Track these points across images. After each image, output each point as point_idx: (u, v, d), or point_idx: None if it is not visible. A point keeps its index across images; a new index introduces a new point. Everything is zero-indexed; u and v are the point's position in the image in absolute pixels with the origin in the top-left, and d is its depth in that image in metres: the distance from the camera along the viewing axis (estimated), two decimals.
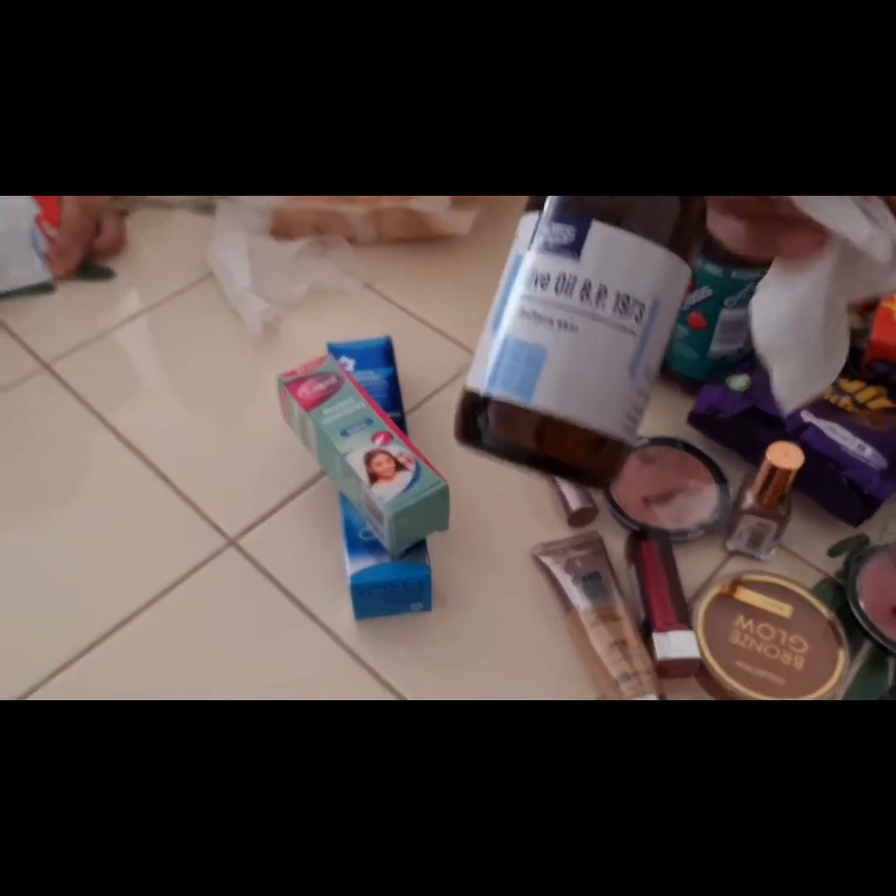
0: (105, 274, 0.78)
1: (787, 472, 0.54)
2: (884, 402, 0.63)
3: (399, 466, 0.52)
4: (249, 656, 0.53)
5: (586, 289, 0.26)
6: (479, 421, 0.27)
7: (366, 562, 0.53)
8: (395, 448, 0.53)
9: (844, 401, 0.62)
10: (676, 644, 0.52)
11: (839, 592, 0.57)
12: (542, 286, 0.26)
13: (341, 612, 0.55)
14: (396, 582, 0.52)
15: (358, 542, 0.54)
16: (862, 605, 0.56)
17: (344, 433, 0.54)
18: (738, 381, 0.62)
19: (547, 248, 0.26)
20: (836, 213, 0.26)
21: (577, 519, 0.59)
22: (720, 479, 0.62)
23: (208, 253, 0.77)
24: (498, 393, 0.27)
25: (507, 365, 0.27)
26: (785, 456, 0.54)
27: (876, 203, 0.27)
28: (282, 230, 0.79)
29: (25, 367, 0.70)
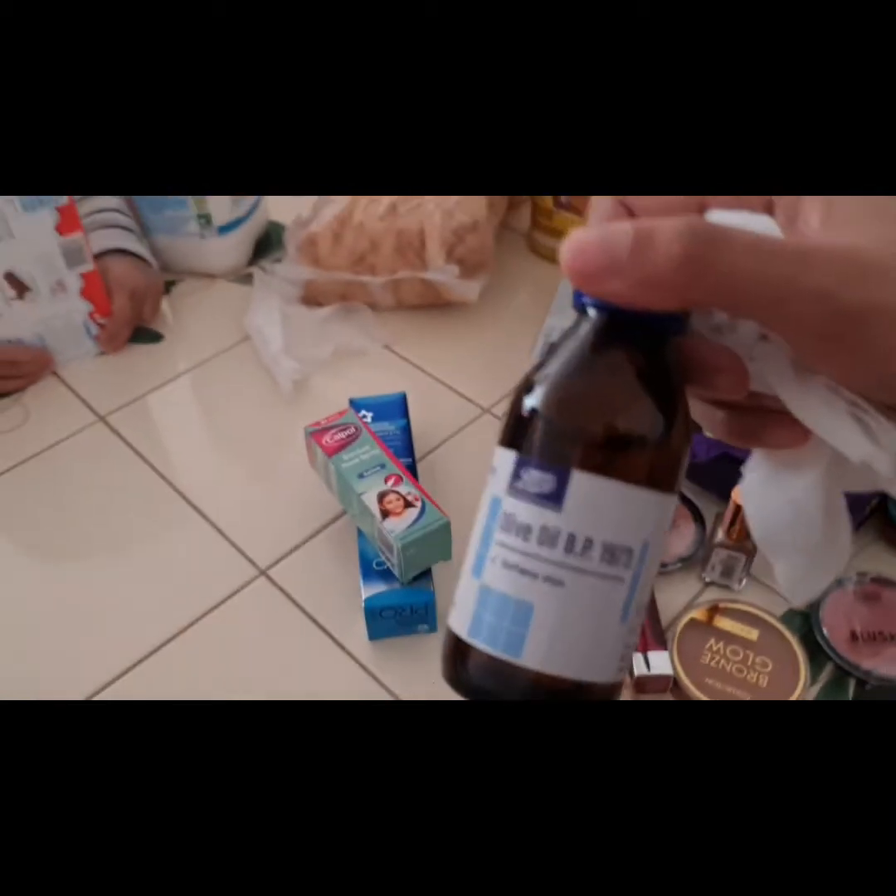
0: (155, 337, 0.88)
1: None
2: None
3: (407, 504, 0.60)
4: (276, 671, 0.61)
5: (571, 542, 0.24)
6: (464, 668, 0.27)
7: (378, 588, 0.61)
8: (404, 488, 0.61)
9: None
10: (653, 663, 0.59)
11: (805, 620, 0.64)
12: (523, 537, 0.24)
13: (357, 633, 0.62)
14: (405, 605, 0.60)
15: (372, 571, 0.62)
16: (824, 631, 0.62)
17: (360, 476, 0.62)
18: None
19: (526, 496, 0.24)
20: (831, 425, 0.24)
21: None
22: (697, 516, 0.69)
23: (245, 319, 0.87)
24: (483, 647, 0.25)
25: (491, 618, 0.25)
26: None
27: (874, 414, 0.24)
28: (312, 298, 0.89)
29: (83, 419, 0.80)
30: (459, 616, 0.27)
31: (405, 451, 0.70)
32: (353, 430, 0.66)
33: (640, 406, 0.24)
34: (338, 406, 0.78)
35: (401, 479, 0.62)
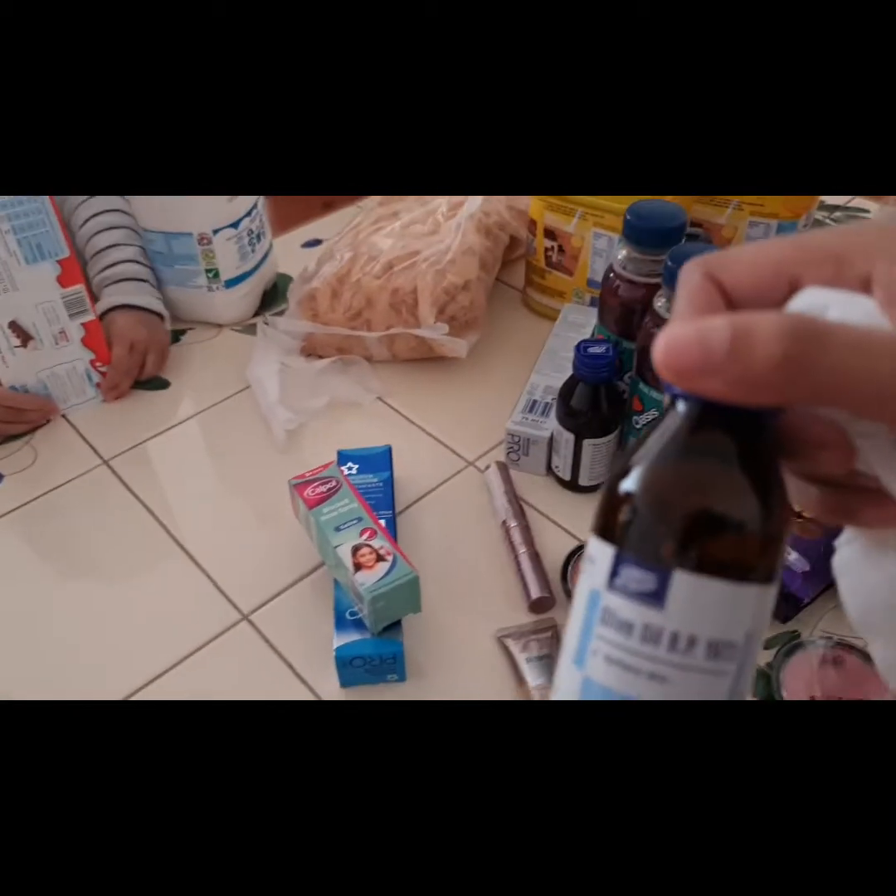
0: (162, 384, 0.92)
1: None
2: None
3: (379, 558, 0.63)
4: None
5: (674, 640, 0.24)
6: None
7: (350, 637, 0.63)
8: (377, 542, 0.64)
9: None
10: None
11: (767, 683, 0.65)
12: (625, 634, 0.24)
13: (330, 681, 0.65)
14: (374, 655, 0.62)
15: (345, 620, 0.65)
16: (783, 693, 0.63)
17: (337, 529, 0.65)
18: None
19: (627, 593, 0.24)
20: None
21: (537, 606, 0.68)
22: None
23: (247, 369, 0.91)
24: None
25: None
26: None
27: None
28: (312, 350, 0.93)
29: (88, 463, 0.84)
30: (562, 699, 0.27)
31: (386, 503, 0.73)
32: (334, 483, 0.69)
33: (742, 504, 0.24)
34: (329, 456, 0.81)
35: (375, 532, 0.65)
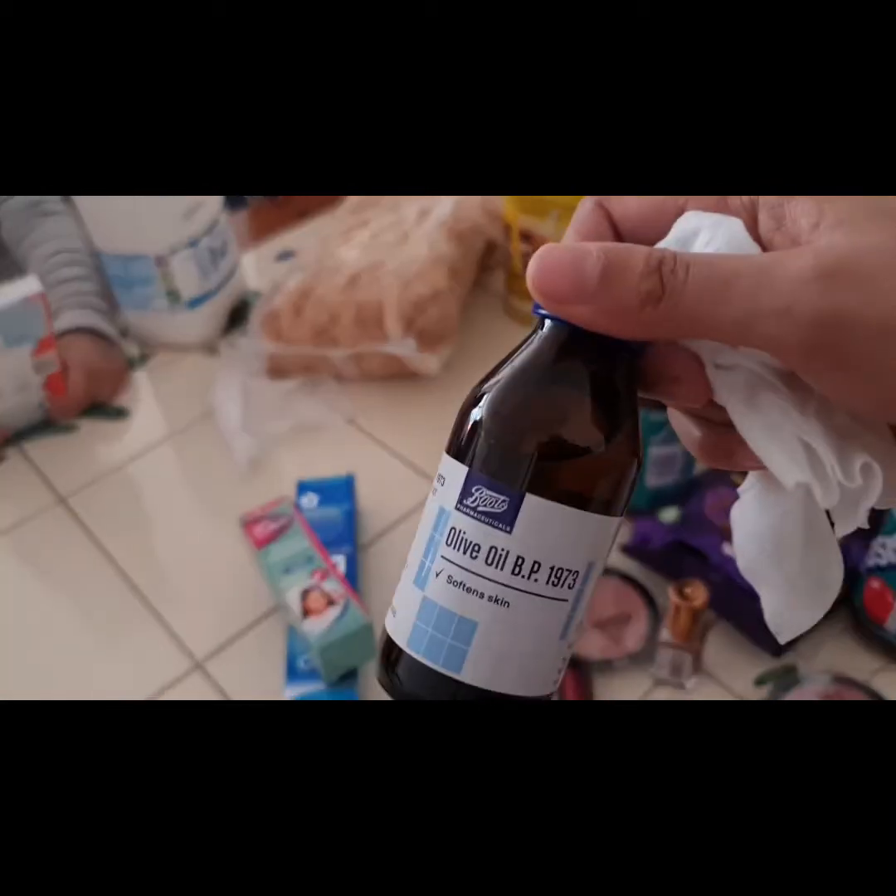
0: (121, 414, 0.88)
1: (691, 608, 0.57)
2: None
3: (330, 602, 0.58)
4: None
5: (519, 564, 0.24)
6: (400, 676, 0.26)
7: (302, 688, 0.59)
8: (329, 585, 0.59)
9: None
10: None
11: None
12: (471, 555, 0.24)
13: None
14: None
15: (298, 669, 0.60)
16: None
17: (286, 571, 0.61)
18: (669, 514, 0.66)
19: (476, 514, 0.24)
20: (768, 446, 0.23)
21: None
22: (652, 605, 0.65)
23: (210, 393, 0.86)
24: (423, 659, 0.25)
25: (432, 632, 0.25)
26: (690, 593, 0.57)
27: (824, 442, 0.23)
28: (277, 371, 0.88)
29: (44, 501, 0.80)
30: (399, 624, 0.26)
31: (347, 537, 0.68)
32: (285, 520, 0.64)
33: (590, 432, 0.24)
34: (291, 483, 0.77)
35: (327, 574, 0.60)
